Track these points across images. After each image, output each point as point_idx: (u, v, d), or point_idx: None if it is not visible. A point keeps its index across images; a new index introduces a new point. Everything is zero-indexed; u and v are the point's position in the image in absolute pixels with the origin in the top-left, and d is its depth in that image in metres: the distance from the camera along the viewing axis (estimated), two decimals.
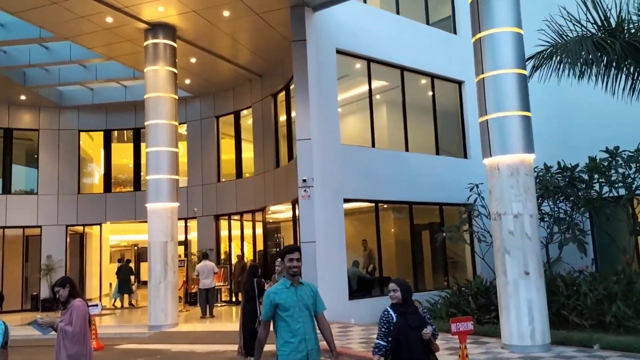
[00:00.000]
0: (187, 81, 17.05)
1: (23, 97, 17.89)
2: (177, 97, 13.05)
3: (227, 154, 18.81)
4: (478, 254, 13.75)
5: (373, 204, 13.63)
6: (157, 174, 12.55)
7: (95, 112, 19.46)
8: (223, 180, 18.34)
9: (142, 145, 19.24)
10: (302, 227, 12.00)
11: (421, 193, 14.32)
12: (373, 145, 13.74)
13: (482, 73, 8.48)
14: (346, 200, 12.70)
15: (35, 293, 18.49)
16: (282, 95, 16.27)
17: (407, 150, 14.48)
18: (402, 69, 14.73)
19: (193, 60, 15.30)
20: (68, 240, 19.05)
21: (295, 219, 15.15)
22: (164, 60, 12.84)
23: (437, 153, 15.26)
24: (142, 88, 18.10)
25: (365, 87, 14.66)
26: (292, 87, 15.24)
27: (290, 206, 15.59)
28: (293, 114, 15.16)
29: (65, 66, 16.80)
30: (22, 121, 18.88)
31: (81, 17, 12.33)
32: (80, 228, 19.50)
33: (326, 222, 12.17)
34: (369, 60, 13.96)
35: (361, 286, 13.29)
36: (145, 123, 12.76)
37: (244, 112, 18.21)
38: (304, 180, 11.96)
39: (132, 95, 18.84)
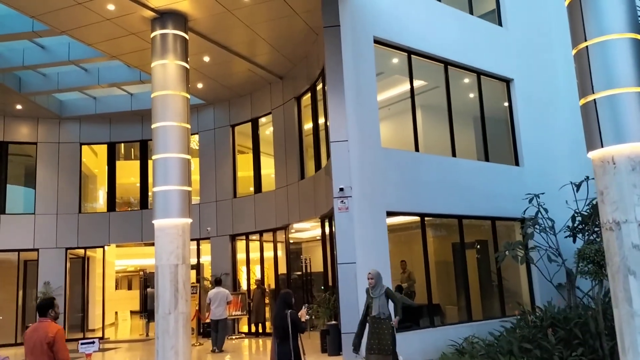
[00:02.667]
0: (200, 85, 15.31)
1: (19, 107, 16.21)
2: (188, 97, 11.24)
3: (244, 166, 16.96)
4: (546, 277, 11.65)
5: (418, 218, 11.64)
6: (165, 184, 10.64)
7: (98, 123, 17.75)
8: (240, 195, 16.45)
9: (150, 161, 17.50)
10: (340, 246, 10.02)
11: (472, 205, 12.31)
12: (417, 149, 11.79)
13: (584, 40, 6.54)
14: (389, 214, 10.71)
15: (30, 324, 16.47)
16: (306, 99, 14.47)
17: (453, 155, 12.52)
18: (447, 63, 12.86)
19: (206, 59, 13.55)
20: (68, 265, 17.15)
21: (324, 237, 13.20)
22: (173, 53, 11.04)
23: (487, 159, 13.28)
24: (149, 95, 16.31)
25: (402, 88, 12.85)
26: (318, 87, 13.48)
27: (319, 222, 13.65)
28: (321, 120, 13.37)
29: (64, 70, 15.14)
30: (19, 134, 17.18)
31: (78, 4, 10.61)
32: (82, 251, 17.61)
33: (367, 239, 10.19)
34: (410, 53, 12.11)
35: (407, 316, 11.19)
36: (153, 126, 10.93)
37: (263, 119, 16.41)
38: (341, 189, 10.02)
39: (138, 104, 17.13)
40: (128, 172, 19.68)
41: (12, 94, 15.17)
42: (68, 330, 16.97)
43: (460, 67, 13.15)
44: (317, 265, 15.11)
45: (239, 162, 16.87)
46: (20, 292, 16.93)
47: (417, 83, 13.16)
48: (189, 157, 11.06)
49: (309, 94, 14.02)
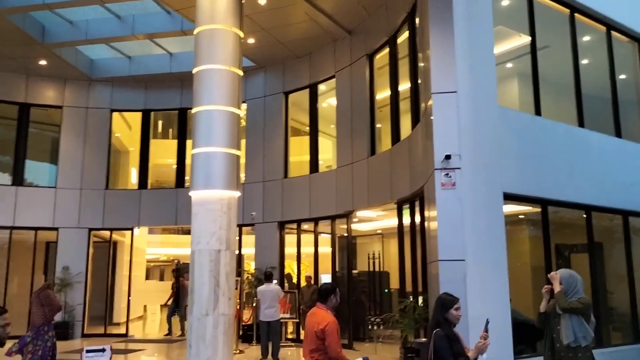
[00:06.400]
0: (251, 40, 12.74)
1: (43, 62, 13.98)
2: (242, 35, 8.68)
3: (299, 140, 14.37)
4: None
5: (539, 206, 8.74)
6: (208, 145, 8.10)
7: (132, 87, 15.41)
8: (292, 175, 13.83)
9: (189, 130, 15.14)
10: (442, 236, 7.24)
11: (603, 193, 9.34)
12: (538, 113, 8.90)
13: None
14: (507, 197, 7.86)
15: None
16: (382, 57, 11.77)
17: (581, 125, 9.57)
18: (574, 10, 9.92)
19: (262, 0, 10.97)
20: (91, 249, 14.87)
21: (401, 228, 10.47)
22: None
23: (619, 135, 10.27)
24: (190, 56, 13.97)
25: (507, 46, 10.08)
26: (400, 40, 10.79)
27: (388, 211, 10.92)
28: (403, 86, 10.65)
29: (94, 18, 12.83)
30: (43, 96, 14.98)
31: None
32: (108, 234, 15.32)
33: (480, 228, 7.39)
34: None
35: (521, 335, 8.34)
36: (194, 70, 8.42)
37: (322, 86, 13.75)
38: (447, 157, 7.25)
39: (178, 66, 14.73)
40: (164, 152, 17.41)
41: (35, 44, 12.94)
42: (88, 324, 14.74)
43: (589, 17, 10.17)
44: (386, 262, 12.41)
45: (292, 144, 14.25)
46: (36, 277, 14.71)
47: (522, 41, 10.28)
48: (239, 111, 8.49)
49: (387, 50, 11.29)
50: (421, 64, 9.09)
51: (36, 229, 14.48)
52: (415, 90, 9.79)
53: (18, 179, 14.57)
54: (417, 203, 9.47)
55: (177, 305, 15.12)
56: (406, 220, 10.32)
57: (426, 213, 8.39)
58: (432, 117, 7.53)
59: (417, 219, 9.50)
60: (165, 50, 14.53)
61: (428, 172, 7.86)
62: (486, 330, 4.25)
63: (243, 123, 14.55)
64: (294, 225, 13.71)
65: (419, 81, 9.40)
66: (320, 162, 13.61)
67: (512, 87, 10.56)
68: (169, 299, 15.46)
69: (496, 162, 7.74)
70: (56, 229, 14.49)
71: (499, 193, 7.70)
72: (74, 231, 14.56)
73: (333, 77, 13.01)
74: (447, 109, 7.42)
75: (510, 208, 9.18)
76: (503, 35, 10.28)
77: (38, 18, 12.75)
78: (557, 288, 5.37)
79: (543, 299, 5.45)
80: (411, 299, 8.93)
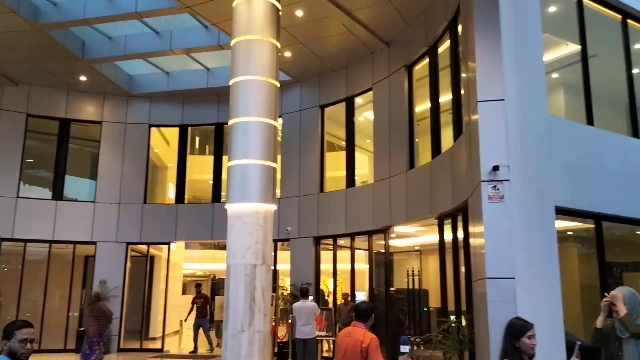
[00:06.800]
0: (287, 54, 12.65)
1: (83, 78, 14.22)
2: (279, 45, 8.52)
3: (334, 155, 14.13)
4: None
5: (592, 221, 8.21)
6: (245, 157, 7.92)
7: (169, 103, 15.51)
8: (328, 190, 13.58)
9: (225, 146, 15.12)
10: (490, 252, 6.82)
11: None
12: (590, 123, 8.43)
13: None
14: (558, 211, 7.39)
15: (82, 328, 14.33)
16: (421, 68, 11.46)
17: (635, 136, 9.02)
18: (626, 15, 9.44)
19: (299, 12, 10.86)
20: (128, 263, 14.90)
21: (442, 244, 10.05)
22: None
23: None
24: (226, 71, 14.00)
25: (552, 55, 9.62)
26: (441, 49, 10.46)
27: (434, 224, 10.49)
28: (444, 97, 10.31)
29: (132, 33, 12.97)
30: (82, 111, 15.22)
31: None
32: (145, 248, 15.35)
33: (530, 245, 6.94)
34: None
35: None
36: (231, 81, 8.28)
37: (359, 99, 13.52)
38: (495, 169, 6.86)
39: (215, 81, 14.77)
40: (201, 168, 17.46)
41: (75, 60, 13.16)
42: (124, 338, 14.71)
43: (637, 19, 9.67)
44: (424, 279, 11.98)
45: (328, 158, 14.04)
46: (74, 291, 14.79)
47: (569, 49, 9.83)
48: (276, 123, 8.30)
49: (427, 60, 10.98)
50: (464, 74, 8.76)
51: (75, 242, 14.62)
52: (457, 101, 9.44)
53: (58, 194, 14.76)
54: (459, 217, 9.07)
55: (212, 320, 14.94)
56: (447, 235, 9.91)
57: (471, 228, 7.98)
58: (477, 127, 7.16)
59: (460, 234, 9.10)
60: (202, 65, 14.58)
61: (473, 185, 7.48)
62: (577, 356, 3.88)
63: (279, 138, 14.44)
64: (330, 241, 13.42)
65: (462, 91, 9.07)
66: (355, 178, 13.34)
67: (558, 97, 10.09)
68: (190, 314, 15.21)
69: (547, 173, 7.30)
70: (94, 243, 14.60)
71: (551, 207, 7.24)
72: (112, 245, 14.63)
73: (370, 89, 12.78)
74: (494, 117, 7.05)
75: (558, 224, 8.71)
76: (549, 43, 9.86)
77: (78, 34, 12.97)
78: (622, 310, 4.80)
79: (600, 313, 4.87)
80: (454, 319, 8.49)
